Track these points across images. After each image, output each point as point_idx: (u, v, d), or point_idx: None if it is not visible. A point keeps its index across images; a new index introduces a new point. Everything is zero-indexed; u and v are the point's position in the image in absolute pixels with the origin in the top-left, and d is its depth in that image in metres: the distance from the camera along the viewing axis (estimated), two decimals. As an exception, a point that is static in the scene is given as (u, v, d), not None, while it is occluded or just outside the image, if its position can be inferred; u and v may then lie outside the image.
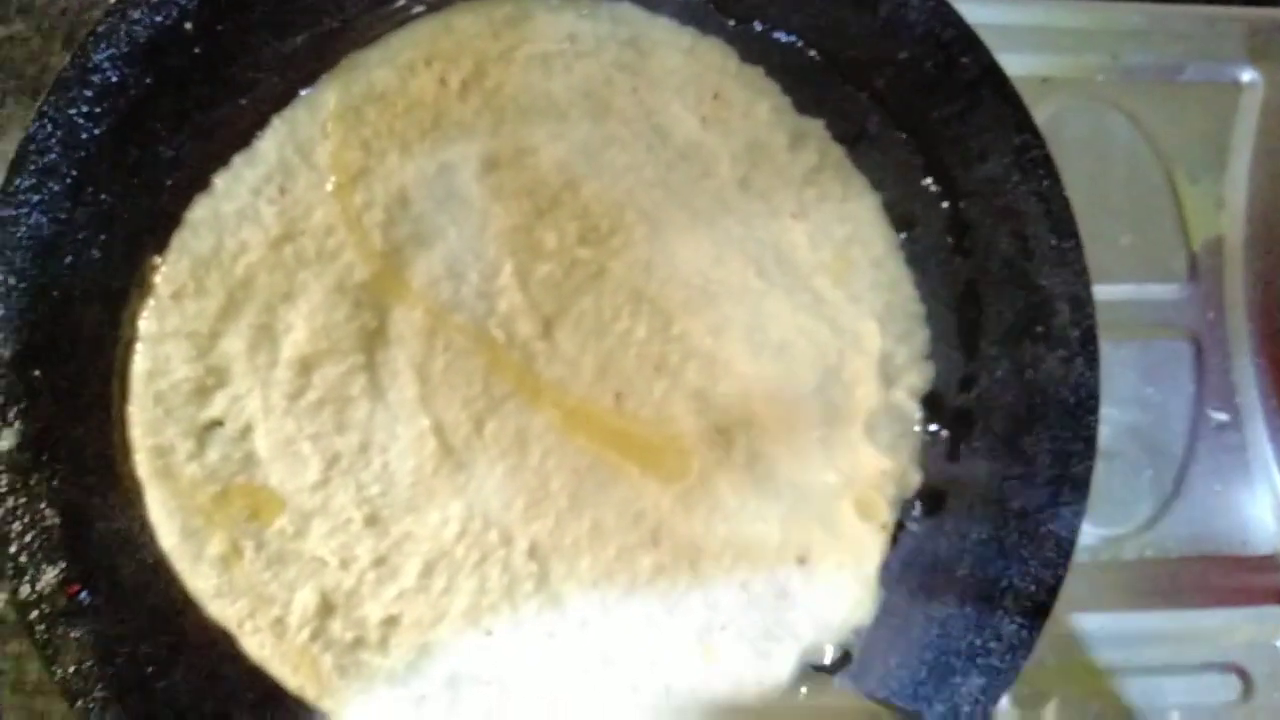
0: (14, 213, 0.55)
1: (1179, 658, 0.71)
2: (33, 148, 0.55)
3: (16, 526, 0.55)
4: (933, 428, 0.61)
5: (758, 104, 0.61)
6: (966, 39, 0.60)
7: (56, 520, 0.56)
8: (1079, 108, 0.75)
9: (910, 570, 0.61)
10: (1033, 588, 0.58)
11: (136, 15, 0.56)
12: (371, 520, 0.57)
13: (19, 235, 0.55)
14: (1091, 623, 0.69)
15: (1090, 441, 0.59)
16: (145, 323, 0.58)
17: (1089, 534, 0.71)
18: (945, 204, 0.62)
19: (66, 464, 0.56)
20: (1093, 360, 0.59)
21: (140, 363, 0.57)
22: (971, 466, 0.61)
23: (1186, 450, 0.73)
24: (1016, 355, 0.60)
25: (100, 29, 0.56)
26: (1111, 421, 0.70)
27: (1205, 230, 0.75)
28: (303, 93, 0.60)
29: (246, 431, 0.57)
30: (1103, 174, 0.75)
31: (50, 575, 0.55)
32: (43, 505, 0.55)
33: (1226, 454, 0.73)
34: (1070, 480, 0.59)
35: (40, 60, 0.74)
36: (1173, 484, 0.72)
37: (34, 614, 0.55)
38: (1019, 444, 0.60)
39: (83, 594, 0.55)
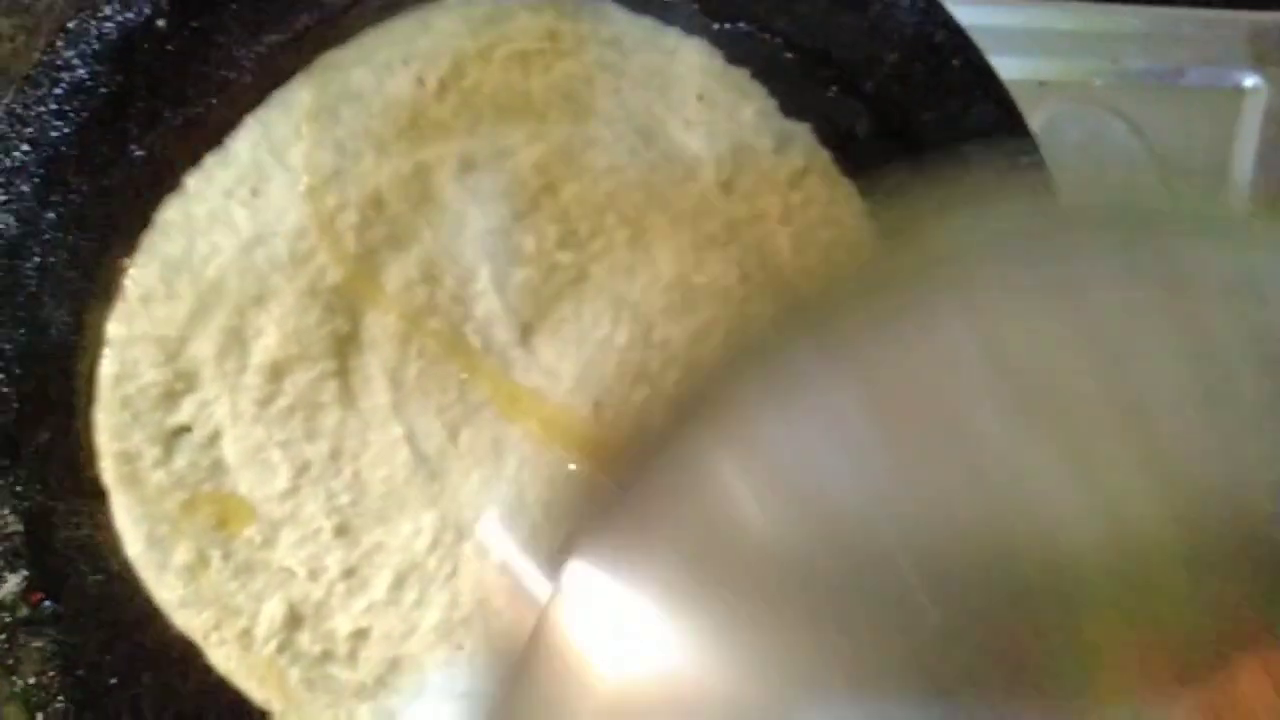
0: (-20, 213, 0.54)
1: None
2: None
3: (-23, 533, 0.54)
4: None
5: (743, 106, 0.60)
6: (958, 41, 0.59)
7: (19, 527, 0.54)
8: (1076, 113, 0.73)
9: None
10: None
11: (107, 11, 0.55)
12: (341, 530, 0.56)
13: (-15, 236, 0.54)
14: None
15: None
16: (113, 326, 0.56)
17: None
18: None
19: (30, 469, 0.55)
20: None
21: (108, 366, 0.56)
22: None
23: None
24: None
25: (70, 25, 0.55)
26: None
27: (1206, 239, 0.74)
28: (278, 92, 0.58)
29: (215, 438, 0.56)
30: (1100, 181, 0.73)
31: (12, 583, 0.54)
32: (5, 511, 0.54)
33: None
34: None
35: (27, 58, 0.73)
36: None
37: (-6, 622, 0.53)
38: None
39: (45, 602, 0.54)
